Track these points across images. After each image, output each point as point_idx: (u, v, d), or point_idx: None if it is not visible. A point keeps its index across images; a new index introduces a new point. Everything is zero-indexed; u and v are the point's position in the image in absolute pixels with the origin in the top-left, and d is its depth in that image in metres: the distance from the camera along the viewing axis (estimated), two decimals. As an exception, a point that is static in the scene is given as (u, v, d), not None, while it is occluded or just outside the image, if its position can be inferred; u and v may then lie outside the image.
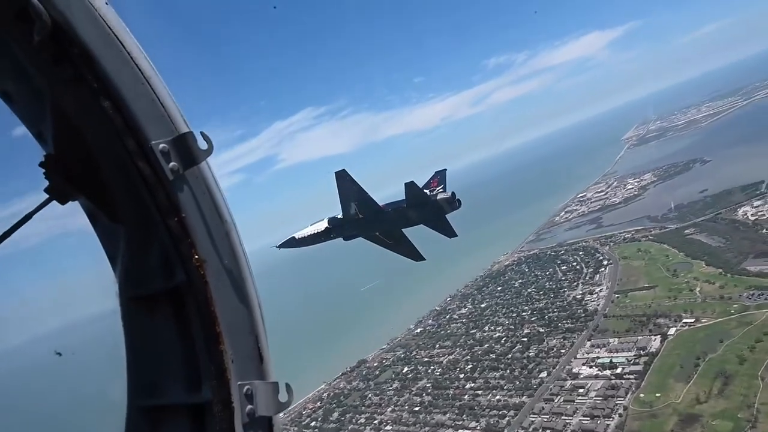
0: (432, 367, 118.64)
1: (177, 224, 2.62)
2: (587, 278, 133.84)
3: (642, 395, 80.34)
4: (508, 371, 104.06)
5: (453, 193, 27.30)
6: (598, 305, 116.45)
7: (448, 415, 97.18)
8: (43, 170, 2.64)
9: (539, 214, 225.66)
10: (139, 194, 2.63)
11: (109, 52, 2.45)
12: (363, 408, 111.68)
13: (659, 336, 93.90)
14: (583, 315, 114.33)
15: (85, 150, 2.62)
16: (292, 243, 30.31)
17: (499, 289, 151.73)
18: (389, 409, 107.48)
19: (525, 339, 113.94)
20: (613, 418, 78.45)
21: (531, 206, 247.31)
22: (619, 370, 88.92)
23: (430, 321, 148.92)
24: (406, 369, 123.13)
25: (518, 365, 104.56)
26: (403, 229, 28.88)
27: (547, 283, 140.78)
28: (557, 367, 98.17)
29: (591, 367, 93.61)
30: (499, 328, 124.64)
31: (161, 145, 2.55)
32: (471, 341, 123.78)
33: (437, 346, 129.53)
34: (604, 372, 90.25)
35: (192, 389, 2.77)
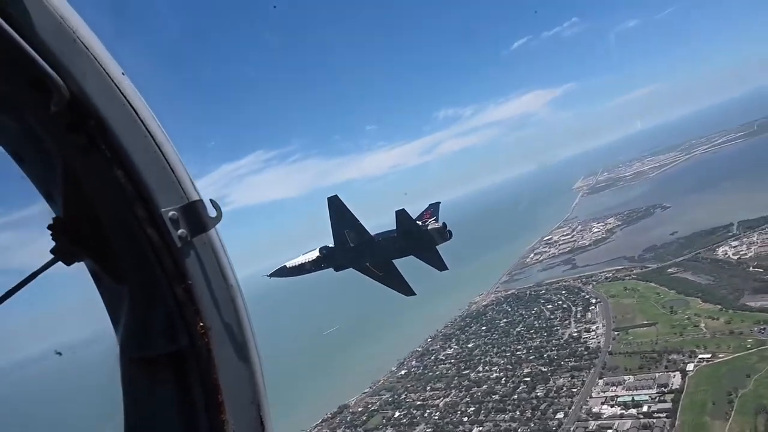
0: (428, 411, 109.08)
1: (183, 291, 2.61)
2: (578, 316, 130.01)
3: (681, 435, 74.91)
4: (517, 413, 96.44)
5: (444, 224, 26.75)
6: (599, 343, 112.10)
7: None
8: (50, 232, 2.61)
9: (507, 257, 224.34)
10: (147, 260, 2.60)
11: (124, 122, 2.47)
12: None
13: (678, 372, 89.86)
14: (585, 353, 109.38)
15: (94, 214, 2.59)
16: (283, 272, 29.59)
17: (483, 328, 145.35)
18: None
19: (527, 379, 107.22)
20: (655, 460, 72.34)
21: (496, 249, 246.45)
22: (645, 409, 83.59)
23: (413, 362, 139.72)
24: (397, 413, 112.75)
25: (528, 406, 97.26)
26: (393, 261, 28.13)
27: (535, 322, 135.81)
28: (573, 407, 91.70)
29: (612, 406, 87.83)
30: (495, 368, 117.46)
31: (171, 213, 2.56)
32: (466, 382, 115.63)
33: (428, 388, 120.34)
34: (629, 411, 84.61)
35: None
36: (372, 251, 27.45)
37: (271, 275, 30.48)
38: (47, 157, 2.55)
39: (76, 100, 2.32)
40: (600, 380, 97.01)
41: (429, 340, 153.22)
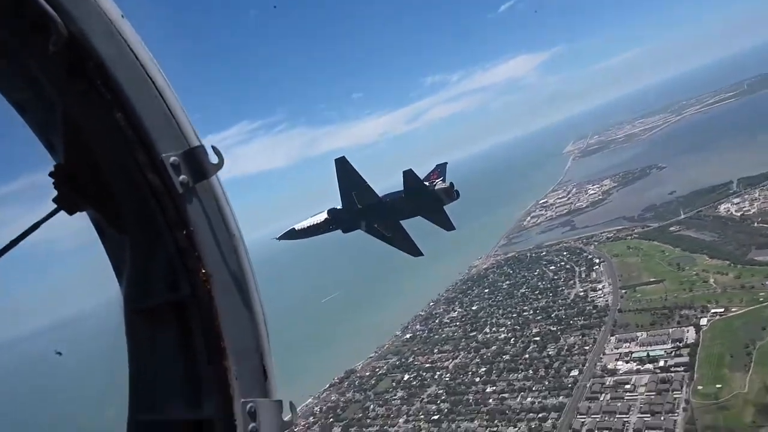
0: (438, 373, 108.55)
1: (185, 238, 2.61)
2: (583, 276, 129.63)
3: (700, 387, 74.64)
4: (530, 371, 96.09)
5: (451, 184, 26.53)
6: (607, 301, 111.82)
7: (477, 422, 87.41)
8: (53, 180, 2.63)
9: (503, 220, 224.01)
10: (148, 206, 2.60)
11: (124, 64, 2.45)
12: (368, 421, 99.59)
13: (691, 327, 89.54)
14: (594, 311, 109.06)
15: (95, 161, 2.61)
16: (291, 234, 29.55)
17: (486, 291, 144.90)
18: (401, 419, 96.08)
19: (537, 338, 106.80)
20: (676, 413, 72.07)
21: (491, 213, 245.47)
22: (662, 364, 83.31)
23: (417, 326, 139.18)
24: (407, 376, 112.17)
25: (540, 365, 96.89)
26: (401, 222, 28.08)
27: (539, 283, 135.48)
28: (587, 364, 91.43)
29: (627, 362, 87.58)
30: (503, 329, 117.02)
31: (172, 158, 2.55)
32: (474, 344, 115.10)
33: (436, 350, 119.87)
34: (646, 366, 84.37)
35: (193, 405, 2.70)
36: (380, 212, 27.19)
37: (280, 238, 30.42)
38: (48, 105, 2.53)
39: (75, 41, 2.30)
40: (612, 337, 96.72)
41: (431, 303, 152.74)
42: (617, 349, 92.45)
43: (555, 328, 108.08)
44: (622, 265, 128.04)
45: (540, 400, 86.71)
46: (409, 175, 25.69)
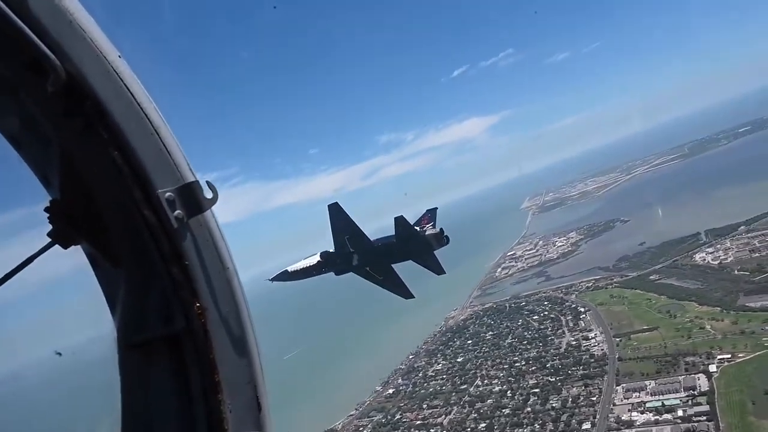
0: (432, 430, 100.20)
1: (179, 271, 2.63)
2: (571, 325, 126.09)
3: (731, 437, 70.62)
4: (537, 425, 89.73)
5: (441, 230, 27.26)
6: (602, 350, 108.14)
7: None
8: (48, 215, 2.64)
9: (472, 272, 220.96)
10: (143, 241, 2.62)
11: (121, 104, 2.49)
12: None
13: (701, 374, 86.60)
14: (591, 361, 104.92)
15: (90, 197, 2.62)
16: (284, 276, 29.56)
17: (470, 342, 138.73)
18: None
19: (536, 390, 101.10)
20: (712, 465, 67.38)
21: (459, 266, 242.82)
22: (680, 413, 79.19)
23: (399, 380, 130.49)
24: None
25: (546, 418, 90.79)
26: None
27: (525, 333, 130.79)
28: (598, 416, 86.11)
29: (642, 412, 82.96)
30: (496, 381, 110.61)
31: (167, 194, 2.58)
32: (467, 397, 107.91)
33: (425, 406, 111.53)
34: (664, 416, 79.94)
35: None
36: (371, 256, 27.41)
37: (272, 279, 30.14)
38: (44, 141, 2.55)
39: (73, 81, 2.33)
40: (618, 387, 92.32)
41: (411, 356, 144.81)
42: (627, 399, 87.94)
43: (553, 379, 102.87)
44: (609, 314, 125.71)
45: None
46: (400, 221, 25.97)
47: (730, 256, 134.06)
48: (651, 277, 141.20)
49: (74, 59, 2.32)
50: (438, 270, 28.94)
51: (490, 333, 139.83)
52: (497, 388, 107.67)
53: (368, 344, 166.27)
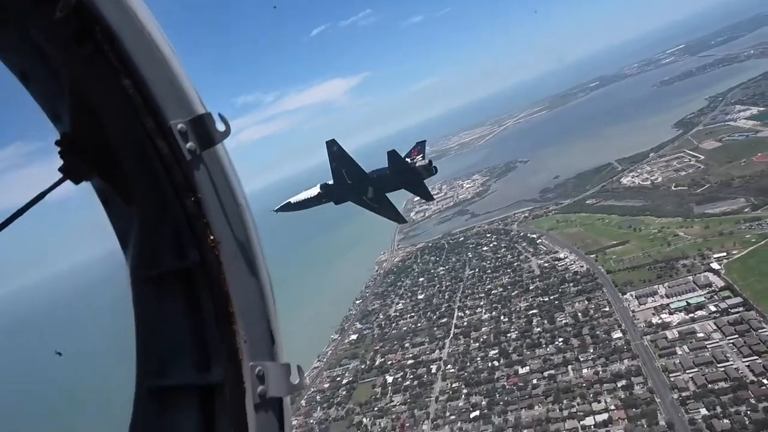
0: (433, 367, 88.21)
1: (193, 204, 2.59)
2: (531, 250, 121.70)
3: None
4: (559, 342, 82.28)
5: (430, 161, 28.85)
6: (582, 266, 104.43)
7: (539, 408, 70.01)
8: (58, 149, 2.62)
9: (380, 220, 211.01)
10: (156, 174, 2.59)
11: (131, 30, 2.43)
12: (378, 439, 74.66)
13: (707, 273, 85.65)
14: (578, 277, 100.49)
15: (102, 129, 2.58)
16: (288, 207, 31.27)
17: (422, 279, 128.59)
18: (426, 426, 73.68)
19: (534, 311, 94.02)
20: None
21: (362, 215, 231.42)
22: (713, 308, 76.77)
23: (358, 325, 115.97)
24: (390, 378, 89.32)
25: (564, 334, 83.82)
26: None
27: (484, 263, 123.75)
28: (624, 324, 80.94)
29: (672, 313, 79.35)
30: (480, 311, 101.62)
31: (179, 125, 2.52)
32: (457, 330, 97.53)
33: (407, 345, 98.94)
34: (699, 313, 76.97)
35: (202, 370, 2.72)
36: (367, 186, 28.74)
37: (277, 210, 31.48)
38: (53, 73, 2.51)
39: (83, 5, 2.28)
40: (625, 296, 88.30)
41: (358, 302, 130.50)
42: (644, 305, 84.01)
43: (546, 299, 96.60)
44: (567, 236, 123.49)
45: (601, 368, 73.20)
46: (392, 155, 27.45)
47: (658, 177, 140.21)
48: (588, 202, 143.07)
49: None
50: (428, 197, 30.78)
51: (442, 269, 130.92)
52: (486, 316, 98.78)
53: (302, 292, 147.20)
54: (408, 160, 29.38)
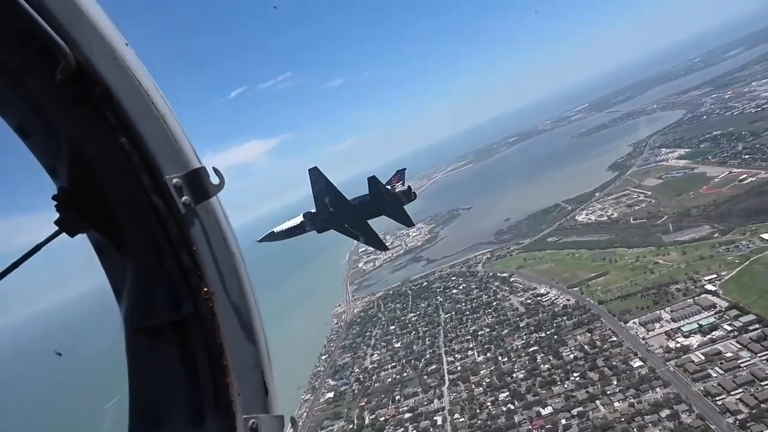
0: (437, 418, 77.93)
1: (188, 257, 2.64)
2: (507, 289, 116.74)
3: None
4: (577, 378, 75.55)
5: (409, 187, 29.16)
6: (568, 300, 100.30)
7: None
8: (55, 203, 2.65)
9: (328, 270, 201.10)
10: (151, 228, 2.64)
11: (129, 91, 2.51)
12: None
13: (705, 294, 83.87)
14: (570, 310, 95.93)
15: (99, 184, 2.62)
16: (271, 237, 31.15)
17: (393, 327, 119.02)
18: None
19: (534, 348, 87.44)
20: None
21: (302, 269, 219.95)
22: (728, 327, 73.94)
23: (331, 382, 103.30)
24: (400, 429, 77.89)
25: (578, 368, 77.38)
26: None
27: (460, 306, 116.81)
28: (639, 353, 75.99)
29: (687, 336, 75.59)
30: (471, 353, 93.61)
31: (175, 180, 2.59)
32: (452, 376, 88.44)
33: (398, 397, 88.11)
34: (716, 333, 73.69)
35: (196, 423, 2.70)
36: (350, 214, 28.76)
37: (260, 240, 31.03)
38: (52, 130, 2.55)
39: (82, 69, 2.35)
40: (628, 324, 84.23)
41: (324, 357, 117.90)
42: (652, 331, 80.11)
43: (543, 335, 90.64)
44: (541, 272, 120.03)
45: (635, 399, 66.94)
46: (373, 181, 27.27)
47: (613, 213, 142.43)
48: (549, 240, 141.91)
49: (83, 47, 2.32)
50: (408, 223, 29.93)
51: (412, 314, 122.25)
52: (481, 357, 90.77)
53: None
54: (388, 187, 29.44)
